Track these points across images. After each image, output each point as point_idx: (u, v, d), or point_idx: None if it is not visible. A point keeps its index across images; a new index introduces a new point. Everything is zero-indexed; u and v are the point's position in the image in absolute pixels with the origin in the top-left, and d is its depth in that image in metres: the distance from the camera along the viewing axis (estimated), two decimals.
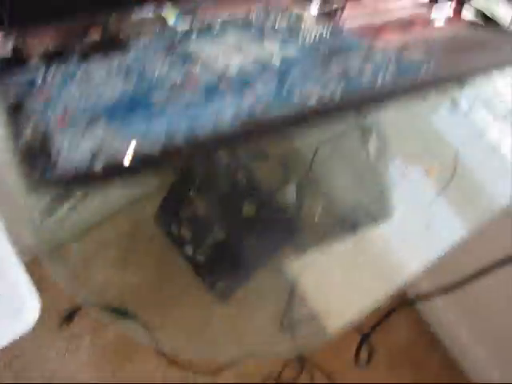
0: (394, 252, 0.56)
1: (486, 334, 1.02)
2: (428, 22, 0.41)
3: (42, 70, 0.32)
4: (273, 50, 0.31)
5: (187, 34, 0.36)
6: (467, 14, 0.43)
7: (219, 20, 0.38)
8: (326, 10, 0.39)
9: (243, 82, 0.27)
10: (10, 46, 0.37)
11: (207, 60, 0.30)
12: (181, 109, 0.25)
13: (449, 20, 0.43)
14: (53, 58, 0.35)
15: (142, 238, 0.51)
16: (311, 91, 0.25)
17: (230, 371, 0.58)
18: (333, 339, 0.56)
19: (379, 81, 0.27)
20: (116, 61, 0.32)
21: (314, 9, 0.39)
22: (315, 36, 0.34)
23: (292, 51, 0.31)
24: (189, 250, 0.53)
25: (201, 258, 0.55)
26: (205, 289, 0.61)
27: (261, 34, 0.34)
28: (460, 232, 0.55)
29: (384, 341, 1.07)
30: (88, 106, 0.26)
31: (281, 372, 0.68)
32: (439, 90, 0.29)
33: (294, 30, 0.35)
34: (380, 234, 0.56)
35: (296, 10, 0.39)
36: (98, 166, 0.21)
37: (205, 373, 0.59)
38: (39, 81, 0.30)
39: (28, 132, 0.24)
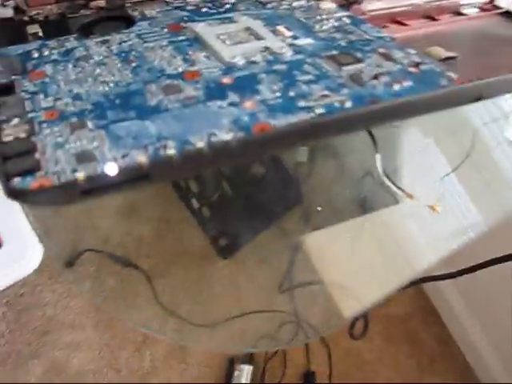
0: (409, 239, 0.55)
1: (486, 316, 1.02)
2: (456, 10, 0.38)
3: (40, 42, 0.30)
4: (285, 38, 0.29)
5: (198, 8, 0.33)
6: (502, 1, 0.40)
7: None
8: None
9: (248, 79, 0.25)
10: (11, 5, 0.35)
11: (213, 46, 0.27)
12: (176, 110, 0.23)
13: (481, 9, 0.39)
14: (54, 26, 0.33)
15: (148, 189, 0.50)
16: (319, 97, 0.23)
17: (227, 326, 0.58)
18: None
19: (395, 88, 0.24)
20: (117, 38, 0.29)
21: None
22: (333, 23, 0.31)
23: (305, 41, 0.29)
24: (195, 203, 0.53)
25: (206, 212, 0.54)
26: (208, 243, 0.60)
27: (275, 15, 0.32)
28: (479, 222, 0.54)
29: (381, 312, 1.07)
30: (79, 98, 0.24)
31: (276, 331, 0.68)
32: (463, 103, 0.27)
33: (310, 13, 0.32)
34: (395, 218, 0.54)
35: None
36: (81, 177, 0.20)
37: (201, 326, 0.60)
38: (36, 55, 0.28)
39: (12, 125, 0.22)
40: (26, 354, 0.94)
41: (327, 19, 0.33)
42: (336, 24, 0.32)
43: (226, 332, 0.65)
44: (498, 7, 0.39)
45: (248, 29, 0.31)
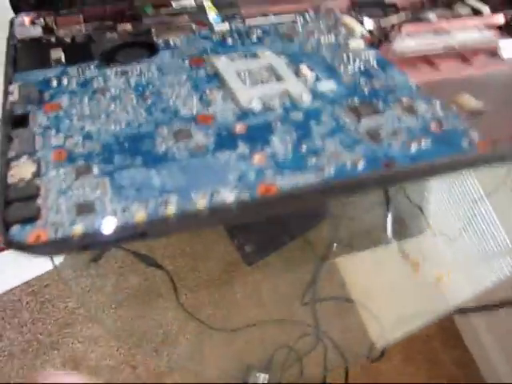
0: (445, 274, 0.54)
1: (510, 343, 1.00)
2: (494, 52, 0.37)
3: (62, 68, 0.29)
4: (307, 80, 0.28)
5: (222, 41, 0.33)
6: None
7: (260, 25, 0.35)
8: (378, 32, 0.35)
9: (262, 128, 0.24)
10: (40, 25, 0.35)
11: (231, 86, 0.27)
12: (184, 159, 0.23)
13: None
14: (77, 50, 0.33)
15: None
16: (332, 155, 0.23)
17: (246, 332, 0.59)
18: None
19: (412, 150, 0.23)
20: (137, 69, 0.29)
21: (367, 24, 0.35)
22: (359, 64, 0.30)
23: (327, 85, 0.28)
24: None
25: None
26: (234, 250, 0.60)
27: (301, 52, 0.31)
28: None
29: None
30: (90, 137, 0.24)
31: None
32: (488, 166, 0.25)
33: (338, 51, 0.32)
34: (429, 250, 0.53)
35: (346, 23, 0.35)
36: (77, 232, 0.19)
37: (220, 330, 0.60)
38: (54, 83, 0.28)
39: (20, 163, 0.22)
40: (46, 345, 0.96)
41: (354, 59, 0.31)
42: (362, 66, 0.31)
43: (244, 338, 0.66)
44: None
45: (270, 67, 0.30)
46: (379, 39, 0.35)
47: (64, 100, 0.28)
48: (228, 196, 0.21)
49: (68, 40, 0.35)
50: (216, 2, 0.38)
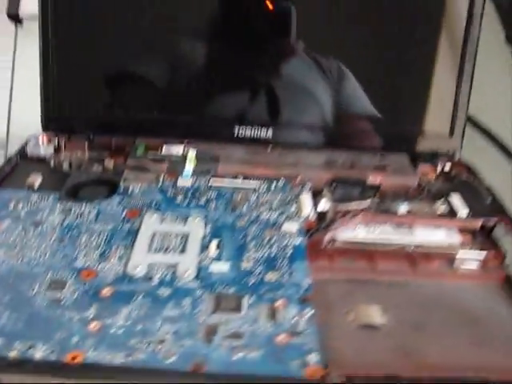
0: None
1: None
2: (449, 263, 0.36)
3: (28, 193, 0.38)
4: (206, 257, 0.31)
5: (173, 197, 0.37)
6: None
7: (220, 187, 0.38)
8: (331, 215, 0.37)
9: (125, 297, 0.28)
10: (52, 147, 0.41)
11: (136, 247, 0.31)
12: (41, 307, 0.27)
13: (483, 264, 0.36)
14: (54, 179, 0.39)
15: None
16: (158, 342, 0.26)
17: None
18: None
19: (236, 357, 0.25)
20: (81, 209, 0.35)
21: (321, 206, 0.37)
22: (275, 247, 0.32)
23: (221, 267, 0.31)
24: None
25: None
26: None
27: (230, 225, 0.34)
28: None
29: None
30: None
31: None
32: None
33: (266, 231, 0.34)
34: None
35: (300, 201, 0.37)
36: None
37: None
38: (11, 206, 0.36)
39: None
40: None
41: (272, 244, 0.33)
42: (274, 252, 0.33)
43: None
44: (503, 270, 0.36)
45: (185, 236, 0.33)
46: (319, 226, 0.36)
47: (4, 224, 0.33)
48: (37, 354, 0.25)
49: (65, 166, 0.41)
50: (200, 154, 0.41)
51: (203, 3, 0.42)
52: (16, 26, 0.49)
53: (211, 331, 0.27)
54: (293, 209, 0.37)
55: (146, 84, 0.43)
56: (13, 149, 0.42)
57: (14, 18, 0.47)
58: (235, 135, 0.43)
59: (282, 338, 0.27)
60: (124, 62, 0.43)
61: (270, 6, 0.41)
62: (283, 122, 0.44)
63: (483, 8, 0.42)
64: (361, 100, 0.43)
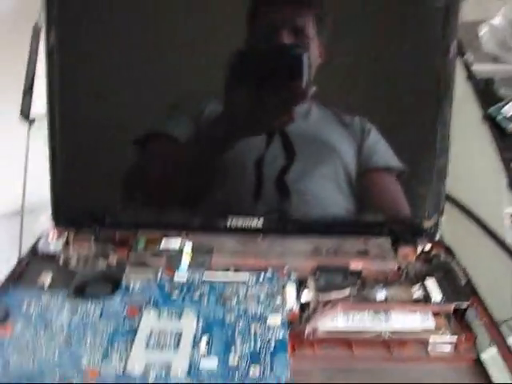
0: None
1: None
2: (423, 346, 0.40)
3: (39, 292, 0.42)
4: (198, 353, 0.35)
5: (170, 293, 0.41)
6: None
7: (213, 281, 0.43)
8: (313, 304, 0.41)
9: None
10: (61, 242, 0.46)
11: (135, 343, 0.35)
12: None
13: (455, 347, 0.40)
14: (65, 275, 0.43)
15: None
16: None
17: None
18: None
19: None
20: (87, 309, 0.39)
21: (304, 297, 0.41)
22: (259, 343, 0.36)
23: (208, 364, 0.35)
24: None
25: None
26: None
27: (219, 320, 0.38)
28: None
29: None
30: (5, 367, 0.34)
31: None
32: None
33: (253, 325, 0.39)
34: None
35: (285, 292, 0.41)
36: None
37: None
38: (24, 306, 0.41)
39: None
40: None
41: (259, 336, 0.37)
42: (258, 345, 0.37)
43: None
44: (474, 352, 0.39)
45: (179, 333, 0.37)
46: (301, 317, 0.40)
47: (18, 325, 0.38)
48: None
49: (73, 262, 0.46)
50: (196, 247, 0.46)
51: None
52: (29, 125, 0.54)
53: None
54: (278, 301, 0.41)
55: (149, 179, 0.48)
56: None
57: (26, 118, 0.53)
58: (228, 226, 0.47)
59: None
60: (126, 158, 0.48)
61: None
62: (274, 212, 0.47)
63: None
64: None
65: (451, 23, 0.45)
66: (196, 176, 0.48)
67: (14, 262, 0.45)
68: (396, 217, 0.48)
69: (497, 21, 0.59)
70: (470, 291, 0.42)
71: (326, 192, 0.48)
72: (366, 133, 0.48)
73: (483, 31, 0.59)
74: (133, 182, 0.48)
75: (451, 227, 0.51)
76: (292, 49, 0.46)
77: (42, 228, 0.48)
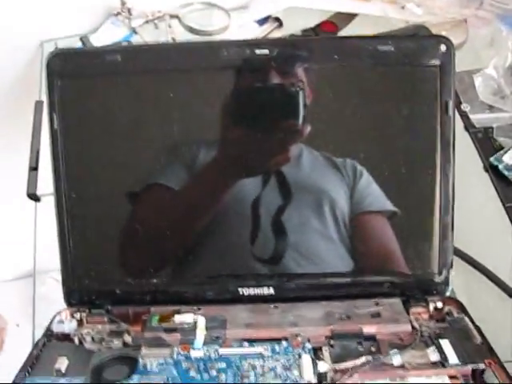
0: None
1: None
2: None
3: (56, 379, 0.43)
4: None
5: (188, 369, 0.41)
6: None
7: (228, 354, 0.43)
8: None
9: None
10: (75, 322, 0.46)
11: None
12: None
13: None
14: (80, 359, 0.43)
15: None
16: None
17: None
18: None
19: None
20: None
21: None
22: None
23: None
24: None
25: None
26: None
27: None
28: None
29: None
30: None
31: None
32: None
33: None
34: None
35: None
36: None
37: None
38: None
39: None
40: None
41: None
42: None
43: None
44: None
45: None
46: None
47: None
48: None
49: (88, 340, 0.46)
50: (208, 319, 0.46)
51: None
52: (35, 202, 0.55)
53: None
54: (295, 374, 0.41)
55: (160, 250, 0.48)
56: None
57: (33, 197, 0.54)
58: (240, 295, 0.48)
59: None
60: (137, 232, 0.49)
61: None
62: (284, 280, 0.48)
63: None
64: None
65: (447, 80, 0.46)
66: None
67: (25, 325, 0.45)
68: (402, 272, 0.48)
69: (490, 70, 0.60)
70: (486, 350, 0.42)
71: (322, 251, 0.49)
72: (358, 175, 0.48)
73: (478, 81, 0.61)
74: (138, 254, 0.48)
75: (460, 281, 0.51)
76: (288, 87, 0.46)
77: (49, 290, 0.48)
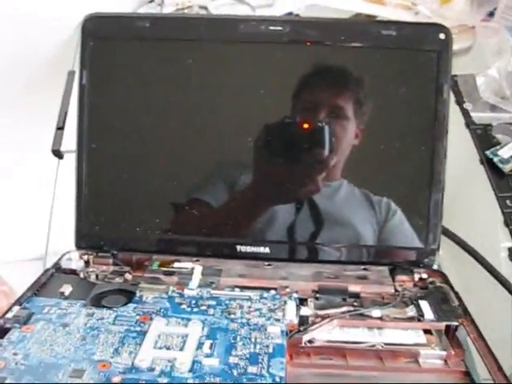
0: None
1: None
2: (414, 360, 0.42)
3: (60, 300, 0.46)
4: (202, 352, 0.39)
5: (179, 305, 0.45)
6: None
7: (219, 295, 0.46)
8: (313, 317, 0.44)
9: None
10: (82, 262, 0.51)
11: (144, 342, 0.39)
12: None
13: (445, 361, 0.43)
14: (83, 288, 0.47)
15: None
16: None
17: None
18: None
19: None
20: (102, 314, 0.43)
21: None
22: (254, 346, 0.40)
23: (210, 362, 0.39)
24: None
25: None
26: None
27: (223, 327, 0.42)
28: None
29: None
30: (26, 359, 0.39)
31: None
32: None
33: (253, 333, 0.43)
34: None
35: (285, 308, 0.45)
36: None
37: None
38: (45, 310, 0.45)
39: None
40: None
41: (259, 342, 0.41)
42: (257, 349, 0.40)
43: None
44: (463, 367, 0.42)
45: (185, 336, 0.41)
46: (301, 328, 0.44)
47: (39, 325, 0.42)
48: None
49: (92, 277, 0.50)
50: (205, 268, 0.50)
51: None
52: (58, 160, 0.60)
53: None
54: (279, 314, 0.44)
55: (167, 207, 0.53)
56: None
57: (57, 153, 0.59)
58: (237, 252, 0.51)
59: None
60: (150, 187, 0.54)
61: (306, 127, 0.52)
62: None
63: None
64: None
65: (444, 65, 0.50)
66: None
67: None
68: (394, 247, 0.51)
69: (493, 72, 0.64)
70: (461, 312, 0.45)
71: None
72: (391, 213, 0.52)
73: (480, 80, 0.64)
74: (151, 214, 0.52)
75: (449, 261, 0.54)
76: (315, 122, 0.51)
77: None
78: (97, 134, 0.52)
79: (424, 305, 0.45)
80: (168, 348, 0.39)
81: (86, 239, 0.52)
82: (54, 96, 0.62)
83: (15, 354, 0.38)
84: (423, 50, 0.51)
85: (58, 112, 0.60)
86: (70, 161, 0.55)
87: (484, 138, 0.62)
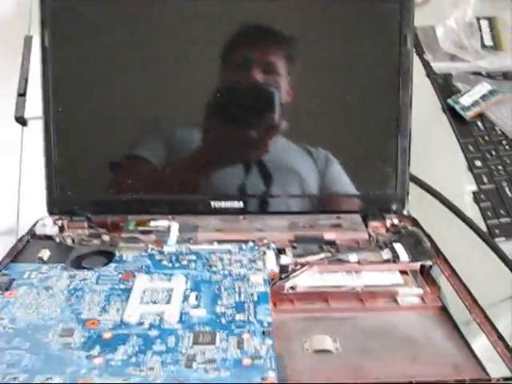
0: None
1: None
2: (392, 299, 0.44)
3: (39, 265, 0.46)
4: (188, 305, 0.39)
5: (160, 261, 0.45)
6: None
7: (199, 250, 0.47)
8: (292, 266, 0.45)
9: (122, 338, 0.36)
10: (57, 227, 0.50)
11: (130, 300, 0.39)
12: (53, 349, 0.35)
13: (422, 299, 0.44)
14: (61, 251, 0.47)
15: None
16: (147, 369, 0.34)
17: None
18: None
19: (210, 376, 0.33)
20: (84, 275, 0.42)
21: (283, 260, 0.45)
22: (243, 296, 0.40)
23: (198, 313, 0.40)
24: None
25: None
26: None
27: (206, 279, 0.42)
28: None
29: None
30: (13, 322, 0.38)
31: None
32: None
33: (237, 280, 0.43)
34: None
35: (265, 259, 0.45)
36: None
37: None
38: (26, 275, 0.44)
39: None
40: None
41: (243, 291, 0.42)
42: (242, 298, 0.41)
43: None
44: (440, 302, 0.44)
45: (170, 290, 0.41)
46: (282, 276, 0.45)
47: (21, 290, 0.41)
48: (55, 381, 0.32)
49: (69, 242, 0.50)
50: (181, 225, 0.50)
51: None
52: (22, 127, 0.59)
53: (191, 359, 0.34)
54: (259, 264, 0.45)
55: (142, 165, 0.52)
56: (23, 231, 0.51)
57: (20, 120, 0.58)
58: (212, 208, 0.52)
59: (247, 361, 0.34)
60: (120, 147, 0.53)
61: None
62: (255, 195, 0.52)
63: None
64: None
65: (407, 16, 0.51)
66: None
67: None
68: (361, 191, 0.53)
69: (451, 22, 0.65)
70: (434, 252, 0.47)
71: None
72: (329, 162, 0.53)
73: (440, 31, 0.66)
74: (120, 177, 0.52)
75: (418, 207, 0.56)
76: (265, 87, 0.52)
77: None
78: (63, 97, 0.51)
79: (398, 247, 0.47)
80: (154, 302, 0.40)
81: (58, 205, 0.52)
82: (11, 61, 0.60)
83: (1, 318, 0.37)
84: (386, 1, 0.51)
85: (18, 78, 0.58)
86: (33, 128, 0.53)
87: (445, 87, 0.64)
